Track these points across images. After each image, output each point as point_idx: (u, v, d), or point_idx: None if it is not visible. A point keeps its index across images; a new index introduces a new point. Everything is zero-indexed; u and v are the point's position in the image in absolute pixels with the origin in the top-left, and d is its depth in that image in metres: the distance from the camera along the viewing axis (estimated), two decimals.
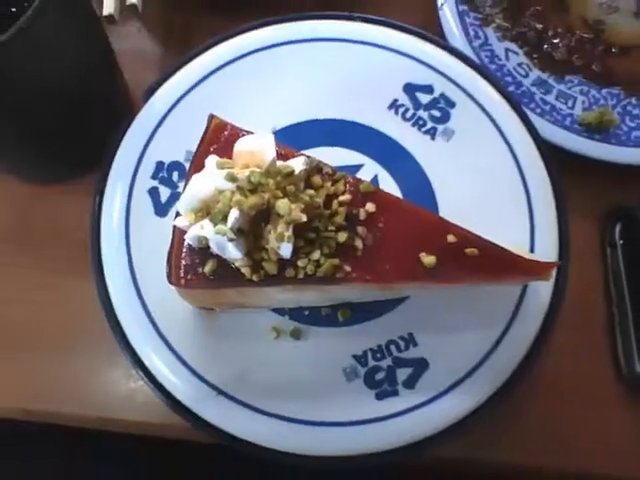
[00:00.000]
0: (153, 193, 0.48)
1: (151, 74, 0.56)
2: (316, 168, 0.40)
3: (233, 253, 0.36)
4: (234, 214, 0.35)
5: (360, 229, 0.39)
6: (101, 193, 0.48)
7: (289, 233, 0.36)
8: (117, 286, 0.46)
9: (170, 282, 0.39)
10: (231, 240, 0.36)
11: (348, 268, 0.38)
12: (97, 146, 0.49)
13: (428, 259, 0.38)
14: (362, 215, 0.39)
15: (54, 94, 0.46)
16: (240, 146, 0.39)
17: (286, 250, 0.36)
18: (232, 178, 0.36)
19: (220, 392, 0.43)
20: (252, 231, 0.37)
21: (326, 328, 0.45)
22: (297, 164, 0.39)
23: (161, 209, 0.48)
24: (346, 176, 0.41)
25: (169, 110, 0.50)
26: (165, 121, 0.50)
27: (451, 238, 0.39)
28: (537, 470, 0.49)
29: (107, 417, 0.49)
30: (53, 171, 0.55)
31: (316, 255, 0.38)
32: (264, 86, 0.51)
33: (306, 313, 0.46)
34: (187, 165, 0.48)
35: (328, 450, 0.43)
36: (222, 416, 0.43)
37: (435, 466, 0.49)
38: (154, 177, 0.48)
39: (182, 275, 0.38)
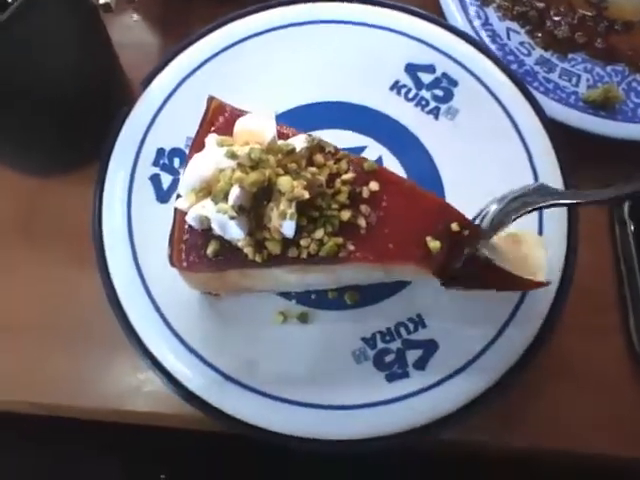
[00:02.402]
0: (155, 180, 0.47)
1: (150, 65, 0.55)
2: (318, 147, 0.39)
3: (235, 232, 0.36)
4: (235, 191, 0.35)
5: (363, 208, 0.38)
6: (102, 182, 0.47)
7: (292, 210, 0.35)
8: (121, 275, 0.45)
9: (172, 264, 0.38)
10: (232, 218, 0.35)
11: (352, 247, 0.37)
12: (98, 136, 0.49)
13: (434, 244, 0.37)
14: (365, 194, 0.39)
15: (52, 83, 0.46)
16: (240, 125, 0.39)
17: (289, 228, 0.36)
18: (232, 155, 0.36)
19: (228, 378, 0.43)
20: (254, 209, 0.37)
21: (334, 312, 0.45)
22: (298, 142, 0.38)
23: (163, 196, 0.47)
24: (349, 155, 0.40)
25: (168, 97, 0.49)
26: (164, 108, 0.49)
27: (455, 227, 0.38)
28: (551, 453, 0.48)
29: (116, 409, 0.49)
30: (54, 163, 0.54)
31: (319, 234, 0.37)
32: (263, 70, 0.51)
33: (313, 297, 0.45)
34: (188, 151, 0.47)
35: (339, 434, 0.42)
36: (230, 402, 0.42)
37: (446, 450, 0.48)
38: (155, 164, 0.48)
39: (184, 257, 0.38)
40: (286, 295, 0.45)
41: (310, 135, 0.39)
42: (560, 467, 0.51)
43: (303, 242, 0.37)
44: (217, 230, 0.37)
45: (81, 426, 0.51)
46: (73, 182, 0.53)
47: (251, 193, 0.35)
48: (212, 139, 0.37)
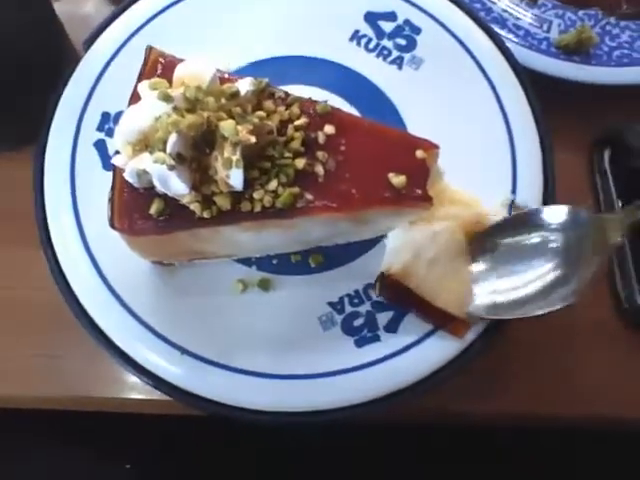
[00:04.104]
0: (100, 146, 0.44)
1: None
2: (267, 92, 0.36)
3: (177, 186, 0.32)
4: (172, 138, 0.32)
5: (320, 154, 0.35)
6: (43, 150, 0.44)
7: (237, 157, 0.32)
8: (65, 248, 0.42)
9: (112, 227, 0.35)
10: (172, 169, 0.32)
11: (310, 196, 0.34)
12: (41, 112, 0.45)
13: (398, 179, 0.34)
14: (321, 139, 0.36)
15: None
16: (179, 72, 0.35)
17: (236, 178, 0.33)
18: (165, 96, 0.33)
19: (185, 352, 0.39)
20: (196, 159, 0.33)
21: (297, 276, 0.42)
22: (243, 85, 0.35)
23: (109, 163, 0.43)
24: (300, 99, 0.37)
25: (111, 58, 0.46)
26: (108, 70, 0.46)
27: (420, 154, 0.35)
28: (532, 418, 0.46)
29: (73, 396, 0.46)
30: None
31: (273, 185, 0.34)
32: (214, 26, 0.47)
33: (274, 262, 0.42)
34: None
35: (309, 405, 0.39)
36: (191, 379, 0.39)
37: (421, 420, 0.45)
38: (100, 129, 0.44)
39: (125, 218, 0.35)
40: (246, 262, 0.42)
41: (256, 78, 0.36)
42: (540, 432, 0.49)
43: (256, 195, 0.34)
44: (159, 186, 0.33)
45: (40, 416, 0.47)
46: (17, 159, 0.49)
47: (190, 138, 0.32)
48: (145, 85, 0.34)
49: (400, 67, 0.47)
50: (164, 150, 0.32)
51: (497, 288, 0.38)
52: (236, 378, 0.39)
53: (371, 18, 0.48)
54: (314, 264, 0.42)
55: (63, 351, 0.46)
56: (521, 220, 0.40)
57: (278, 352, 0.40)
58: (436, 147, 0.37)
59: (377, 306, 0.41)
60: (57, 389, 0.46)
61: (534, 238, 0.39)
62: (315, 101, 0.37)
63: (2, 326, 0.47)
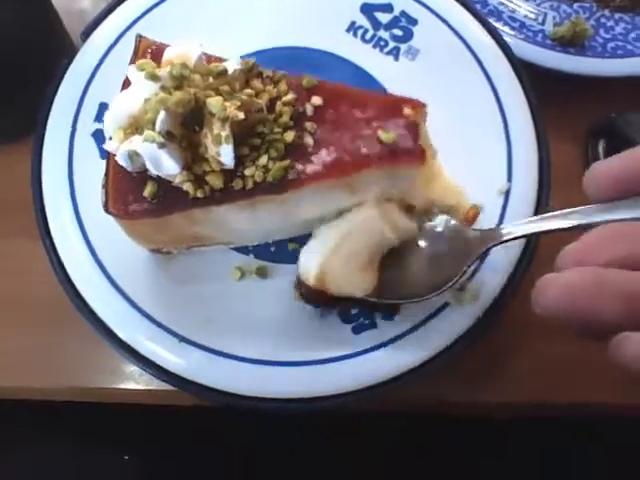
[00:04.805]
0: (97, 136, 0.44)
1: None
2: (255, 72, 0.37)
3: (169, 165, 0.33)
4: (161, 116, 0.32)
5: (309, 125, 0.36)
6: (41, 139, 0.44)
7: (226, 133, 0.32)
8: (64, 238, 0.42)
9: (107, 211, 0.35)
10: (162, 147, 0.32)
11: (300, 167, 0.34)
12: (40, 103, 0.45)
13: (387, 135, 0.35)
14: (309, 110, 0.36)
15: None
16: (166, 55, 0.36)
17: (227, 155, 0.33)
18: (153, 76, 0.33)
19: (183, 340, 0.40)
20: (187, 138, 0.34)
21: (294, 265, 0.41)
22: (231, 64, 0.35)
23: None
24: (286, 75, 0.38)
25: (109, 49, 0.46)
26: (105, 60, 0.46)
27: (407, 111, 0.36)
28: (527, 406, 0.46)
29: (72, 386, 0.46)
30: None
31: (264, 160, 0.34)
32: (212, 17, 0.48)
33: (272, 250, 0.42)
34: None
35: (308, 391, 0.39)
36: (190, 366, 0.39)
37: (418, 408, 0.45)
38: (98, 119, 0.45)
39: (120, 202, 0.35)
40: (243, 250, 0.42)
41: (243, 58, 0.36)
42: (532, 422, 0.49)
43: (247, 172, 0.34)
44: (151, 167, 0.34)
45: (39, 407, 0.47)
46: (16, 151, 0.49)
47: (178, 116, 0.32)
48: (133, 68, 0.34)
49: (396, 58, 0.47)
50: (154, 130, 0.32)
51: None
52: (234, 365, 0.39)
53: (367, 9, 0.48)
54: None
55: (63, 342, 0.46)
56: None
57: (276, 339, 0.40)
58: (423, 105, 0.37)
59: None
60: (56, 380, 0.46)
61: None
62: (301, 76, 0.37)
63: (2, 318, 0.47)
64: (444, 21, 0.47)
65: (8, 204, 0.48)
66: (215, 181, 0.34)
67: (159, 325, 0.40)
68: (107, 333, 0.40)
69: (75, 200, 0.43)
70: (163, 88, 0.33)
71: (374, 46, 0.47)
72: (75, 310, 0.41)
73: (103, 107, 0.45)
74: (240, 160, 0.34)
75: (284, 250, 0.42)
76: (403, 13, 0.48)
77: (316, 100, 0.36)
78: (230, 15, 0.48)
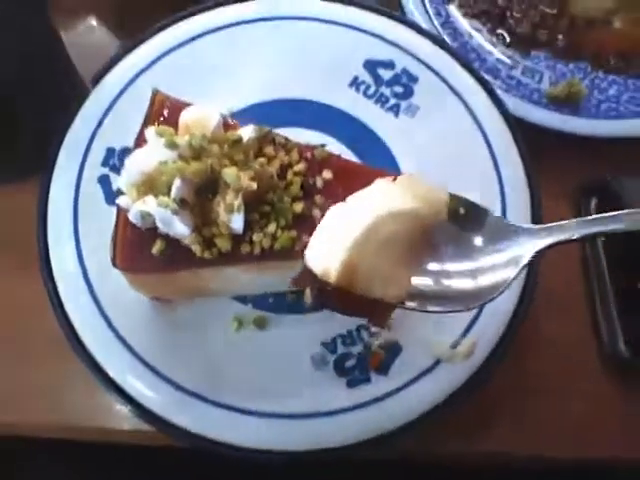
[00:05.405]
0: (103, 181, 0.45)
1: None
2: (268, 138, 0.38)
3: (180, 228, 0.34)
4: (176, 183, 0.33)
5: (318, 198, 0.37)
6: (48, 182, 0.45)
7: (239, 202, 0.33)
8: (66, 280, 0.43)
9: (115, 265, 0.36)
10: (175, 213, 0.33)
11: (307, 239, 0.35)
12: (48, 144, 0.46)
13: None
14: (319, 183, 0.37)
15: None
16: (184, 117, 0.37)
17: (237, 222, 0.34)
18: (172, 144, 0.34)
19: (179, 387, 0.40)
20: (199, 204, 0.35)
21: (292, 315, 0.43)
22: (246, 132, 0.36)
23: (112, 197, 0.44)
24: (300, 144, 0.39)
25: (118, 95, 0.47)
26: (115, 106, 0.47)
27: None
28: (521, 459, 0.47)
29: (65, 425, 0.46)
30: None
31: (272, 228, 0.35)
32: (219, 68, 0.49)
33: (270, 300, 0.43)
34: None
35: (300, 444, 0.40)
36: (184, 415, 0.40)
37: (412, 458, 0.46)
38: (104, 164, 0.46)
39: (128, 257, 0.36)
40: (242, 299, 0.43)
41: (258, 125, 0.37)
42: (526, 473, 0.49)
43: (255, 237, 0.35)
44: (162, 227, 0.35)
45: (39, 444, 0.48)
46: (18, 189, 0.50)
47: (194, 185, 0.33)
48: (152, 131, 0.35)
49: (397, 115, 0.48)
50: (168, 194, 0.34)
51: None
52: (226, 414, 0.40)
53: (370, 65, 0.49)
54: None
55: (62, 381, 0.46)
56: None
57: (271, 391, 0.41)
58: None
59: (369, 347, 0.42)
60: (56, 418, 0.46)
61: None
62: (314, 147, 0.38)
63: (3, 356, 0.47)
64: (443, 79, 0.49)
65: (10, 241, 0.48)
66: (223, 244, 0.35)
67: (155, 372, 0.41)
68: (102, 376, 0.41)
69: (79, 243, 0.43)
70: (181, 157, 0.34)
71: (376, 102, 0.49)
72: (72, 351, 0.42)
73: (110, 152, 0.46)
74: (249, 225, 0.35)
75: (282, 301, 0.43)
76: (404, 70, 0.49)
77: (327, 174, 0.37)
78: (237, 66, 0.49)
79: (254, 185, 0.33)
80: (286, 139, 0.38)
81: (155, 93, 0.40)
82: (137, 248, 0.36)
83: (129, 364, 0.41)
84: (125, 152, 0.46)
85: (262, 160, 0.36)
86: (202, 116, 0.36)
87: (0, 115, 0.46)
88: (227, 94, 0.48)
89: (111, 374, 0.41)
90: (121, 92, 0.48)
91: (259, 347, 0.42)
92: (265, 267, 0.37)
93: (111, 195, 0.45)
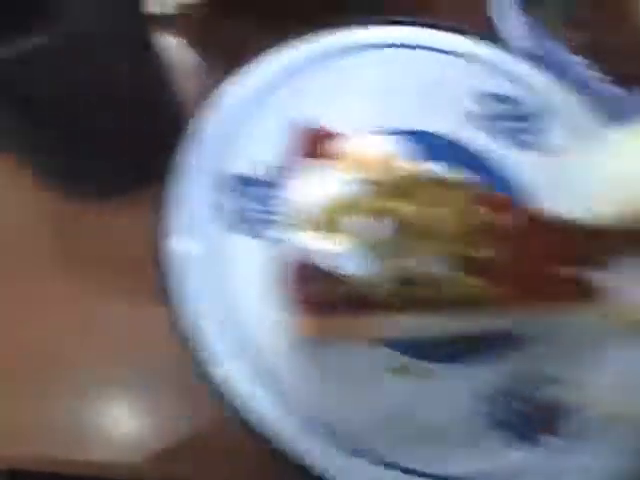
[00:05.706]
0: (236, 209, 0.41)
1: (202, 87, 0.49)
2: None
3: (374, 271, 0.30)
4: (388, 224, 0.30)
5: (499, 243, 0.34)
6: (167, 209, 0.40)
7: (450, 249, 0.30)
8: (204, 314, 0.37)
9: (298, 310, 0.32)
10: (377, 256, 0.30)
11: (495, 288, 0.33)
12: (148, 160, 0.43)
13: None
14: (499, 228, 0.35)
15: (103, 101, 0.39)
16: (353, 148, 0.34)
17: (440, 267, 0.31)
18: (373, 182, 0.31)
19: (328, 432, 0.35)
20: (397, 244, 0.31)
21: (450, 364, 0.39)
22: (439, 170, 0.34)
23: (249, 228, 0.40)
24: (477, 186, 0.37)
25: (244, 118, 0.44)
26: (241, 130, 0.43)
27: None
28: None
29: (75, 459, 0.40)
30: (104, 185, 0.47)
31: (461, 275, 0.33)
32: (335, 95, 0.46)
33: (426, 347, 0.39)
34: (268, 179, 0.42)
35: None
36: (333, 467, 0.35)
37: None
38: (234, 191, 0.41)
39: (312, 304, 0.32)
40: (395, 346, 0.39)
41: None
42: None
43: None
44: (350, 269, 0.31)
45: None
46: (122, 205, 0.46)
47: (405, 226, 0.30)
48: (333, 172, 0.32)
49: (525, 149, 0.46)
50: (364, 233, 0.30)
51: None
52: (382, 472, 0.36)
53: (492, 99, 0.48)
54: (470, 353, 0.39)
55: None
56: None
57: (425, 448, 0.37)
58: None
59: (538, 403, 0.38)
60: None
61: None
62: (492, 191, 0.37)
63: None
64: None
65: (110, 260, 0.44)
66: (420, 291, 0.32)
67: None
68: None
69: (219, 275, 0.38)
70: (379, 194, 0.31)
71: (506, 137, 0.47)
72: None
73: (236, 179, 0.42)
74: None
75: (439, 349, 0.39)
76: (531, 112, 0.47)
77: (505, 219, 0.35)
78: (352, 95, 0.46)
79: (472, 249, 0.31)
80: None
81: (301, 125, 0.38)
82: (320, 291, 0.32)
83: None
84: (250, 181, 0.42)
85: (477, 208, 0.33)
86: (384, 157, 0.33)
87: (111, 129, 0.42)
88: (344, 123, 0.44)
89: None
90: (245, 116, 0.44)
91: (413, 398, 0.38)
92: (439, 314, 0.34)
93: (246, 225, 0.40)
